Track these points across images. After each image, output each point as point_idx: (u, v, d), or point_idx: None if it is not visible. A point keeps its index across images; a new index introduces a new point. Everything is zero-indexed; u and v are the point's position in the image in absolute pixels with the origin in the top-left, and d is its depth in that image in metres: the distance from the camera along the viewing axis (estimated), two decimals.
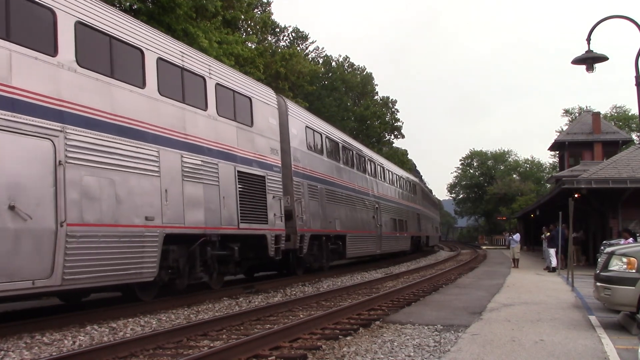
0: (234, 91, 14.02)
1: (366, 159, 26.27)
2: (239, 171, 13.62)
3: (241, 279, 17.33)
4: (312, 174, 18.45)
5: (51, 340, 8.02)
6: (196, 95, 12.49)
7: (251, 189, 14.12)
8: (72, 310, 10.25)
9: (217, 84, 13.24)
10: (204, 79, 12.79)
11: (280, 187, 15.69)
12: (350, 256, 22.26)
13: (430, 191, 64.50)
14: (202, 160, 12.23)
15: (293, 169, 16.94)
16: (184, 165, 11.62)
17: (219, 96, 13.26)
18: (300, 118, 18.51)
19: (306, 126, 18.66)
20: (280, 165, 15.86)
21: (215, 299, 12.91)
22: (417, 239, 37.32)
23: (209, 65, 13.21)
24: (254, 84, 15.76)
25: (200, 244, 12.07)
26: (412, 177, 41.76)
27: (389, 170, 31.47)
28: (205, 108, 12.69)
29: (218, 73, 13.49)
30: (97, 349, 6.88)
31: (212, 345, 7.56)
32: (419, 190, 41.90)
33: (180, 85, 11.97)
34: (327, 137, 20.77)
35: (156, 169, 10.76)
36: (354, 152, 24.20)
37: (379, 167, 28.77)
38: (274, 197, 15.17)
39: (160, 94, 11.22)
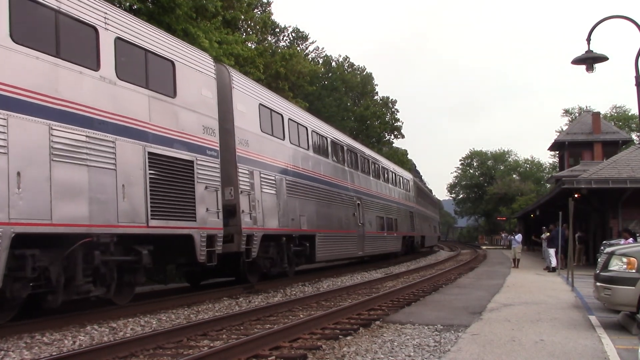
0: (146, 50, 11.06)
1: (345, 148, 23.01)
2: (151, 153, 10.72)
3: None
4: (268, 162, 15.50)
5: (51, 340, 8.02)
6: (80, 49, 9.67)
7: (170, 177, 11.27)
8: (72, 310, 10.24)
9: (118, 38, 10.33)
10: (96, 30, 9.88)
11: (218, 175, 12.85)
12: (321, 259, 19.33)
13: (430, 191, 64.20)
14: (87, 136, 9.36)
15: (238, 154, 14.01)
16: (54, 140, 8.77)
17: (121, 54, 10.31)
18: (252, 94, 15.45)
19: (260, 104, 15.58)
20: (217, 148, 12.98)
21: (215, 299, 12.92)
22: (410, 239, 34.86)
23: (105, 13, 10.15)
24: (180, 45, 12.56)
25: (82, 247, 9.28)
26: (405, 173, 38.39)
27: (375, 163, 28.31)
28: (96, 67, 9.79)
29: (120, 24, 10.47)
30: (97, 349, 6.89)
31: (212, 345, 7.56)
32: (414, 187, 38.82)
33: (52, 33, 9.13)
34: (290, 119, 17.46)
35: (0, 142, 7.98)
36: (329, 140, 21.07)
37: (362, 158, 25.73)
38: (207, 187, 12.33)
39: (13, 40, 8.35)
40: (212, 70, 13.39)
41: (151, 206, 10.59)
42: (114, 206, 9.74)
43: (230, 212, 13.59)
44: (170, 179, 11.29)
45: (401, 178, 34.87)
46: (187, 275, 15.58)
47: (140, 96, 10.82)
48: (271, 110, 16.27)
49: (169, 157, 11.30)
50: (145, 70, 11.05)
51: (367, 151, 28.17)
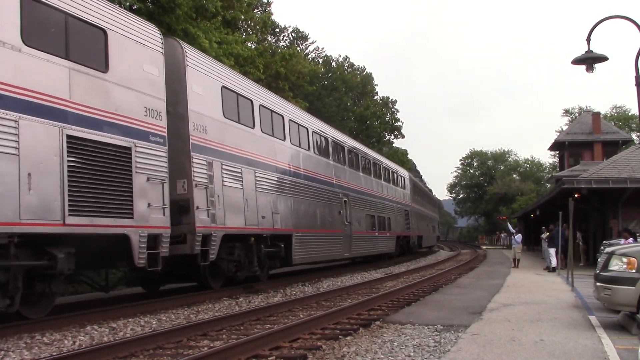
0: (67, 14, 9.30)
1: (330, 141, 21.01)
2: (71, 136, 9.01)
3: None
4: (233, 152, 13.69)
5: (51, 340, 8.03)
6: None
7: (98, 165, 9.54)
8: (72, 310, 10.24)
9: None
10: None
11: (164, 165, 11.14)
12: (299, 262, 17.31)
13: (431, 191, 63.89)
14: None
15: (193, 141, 12.23)
16: None
17: (27, 15, 8.58)
18: (213, 74, 13.63)
19: (224, 87, 13.77)
20: (164, 133, 11.24)
21: (215, 299, 12.91)
22: (405, 239, 33.04)
23: None
24: (117, 12, 10.67)
25: None
26: (400, 169, 36.17)
27: (365, 158, 26.08)
28: None
29: None
30: (97, 349, 6.89)
31: (212, 345, 7.56)
32: (410, 184, 36.62)
33: None
34: (263, 105, 15.54)
35: None
36: (310, 131, 19.03)
37: (350, 152, 23.53)
38: (149, 179, 10.60)
39: None
40: (158, 44, 11.45)
41: (70, 200, 8.84)
42: (14, 200, 8.01)
43: (182, 208, 11.84)
44: (97, 168, 9.48)
45: (395, 175, 32.81)
46: (142, 281, 13.73)
47: (57, 68, 9.00)
48: (238, 94, 14.40)
49: (96, 142, 9.49)
50: (65, 38, 9.24)
51: (357, 145, 26.15)
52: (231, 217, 13.27)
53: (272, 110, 16.33)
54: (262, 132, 15.42)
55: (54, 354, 7.05)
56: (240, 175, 13.92)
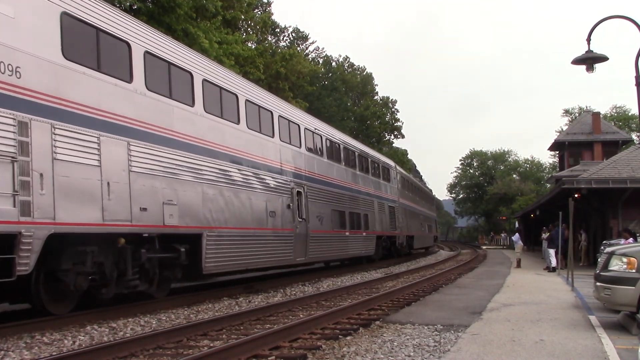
0: None
1: (276, 116, 16.55)
2: None
3: (240, 279, 17.32)
4: (80, 111, 9.52)
5: (51, 340, 8.03)
6: None
7: None
8: (72, 310, 10.24)
9: None
10: None
11: None
12: (214, 270, 12.93)
13: (431, 192, 62.95)
14: None
15: None
16: None
17: None
18: None
19: (66, 13, 9.50)
20: None
21: (215, 299, 12.92)
22: (389, 239, 28.98)
23: None
24: None
25: None
26: (384, 159, 31.66)
27: (331, 140, 21.48)
28: None
29: None
30: (97, 349, 6.89)
31: (212, 345, 7.56)
32: (397, 177, 32.18)
33: None
34: (149, 52, 11.32)
35: None
36: (241, 99, 14.60)
37: (310, 132, 19.26)
38: None
39: None
40: None
41: None
42: None
43: None
44: None
45: (377, 165, 28.24)
46: None
47: None
48: (99, 29, 10.16)
49: None
50: None
51: (321, 125, 21.53)
52: (71, 209, 9.11)
53: (171, 63, 12.05)
54: (148, 88, 11.10)
55: (54, 354, 7.05)
56: (96, 146, 9.70)
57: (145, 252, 10.81)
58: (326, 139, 20.92)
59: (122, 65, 10.67)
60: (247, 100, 14.94)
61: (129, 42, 10.94)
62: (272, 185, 15.77)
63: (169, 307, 11.41)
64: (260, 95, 16.15)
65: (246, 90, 15.28)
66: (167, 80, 11.96)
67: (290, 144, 17.45)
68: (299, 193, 17.36)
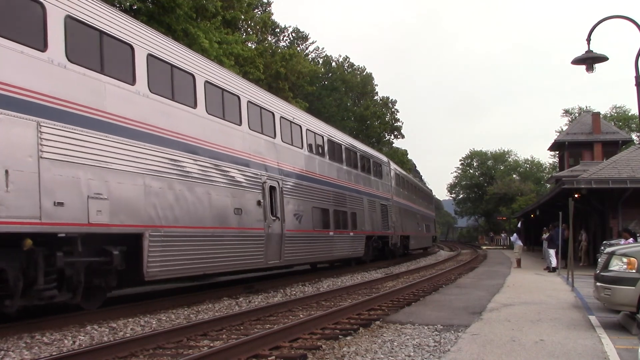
0: None
1: (243, 101, 14.61)
2: None
3: (240, 279, 17.33)
4: None
5: (51, 340, 8.03)
6: None
7: None
8: (72, 310, 10.24)
9: None
10: None
11: None
12: (160, 276, 11.09)
13: (431, 192, 62.46)
14: None
15: None
16: None
17: None
18: None
19: None
20: None
21: (215, 298, 12.91)
22: (382, 240, 27.17)
23: None
24: None
25: None
26: (377, 154, 29.87)
27: (314, 133, 19.67)
28: None
29: None
30: (97, 349, 6.89)
31: (212, 345, 7.56)
32: (389, 173, 30.24)
33: None
34: (72, 16, 9.58)
35: None
36: (199, 79, 12.78)
37: (286, 122, 17.25)
38: None
39: None
40: None
41: None
42: None
43: None
44: None
45: (369, 160, 26.44)
46: None
47: None
48: None
49: None
50: None
51: (300, 113, 19.65)
52: None
53: (104, 32, 10.21)
54: (70, 60, 9.42)
55: (54, 353, 7.05)
56: None
57: (63, 256, 9.02)
58: (307, 130, 18.95)
59: (32, 28, 8.86)
60: (206, 82, 13.06)
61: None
62: (238, 179, 13.93)
63: (169, 307, 11.41)
64: (223, 77, 14.13)
65: (206, 70, 13.34)
66: (98, 51, 10.10)
67: (262, 133, 15.53)
68: (272, 188, 15.57)
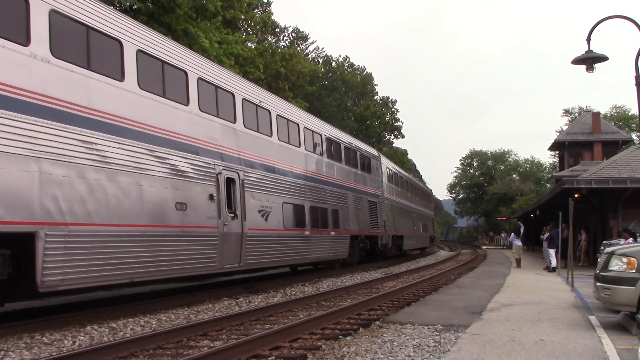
0: None
1: (190, 76, 12.44)
2: None
3: (241, 279, 17.32)
4: None
5: (51, 340, 8.03)
6: None
7: None
8: (72, 310, 10.24)
9: None
10: None
11: None
12: (62, 286, 8.85)
13: (431, 192, 61.73)
14: None
15: None
16: None
17: None
18: None
19: None
20: None
21: (215, 298, 12.91)
22: (370, 240, 24.82)
23: None
24: None
25: None
26: (366, 147, 27.33)
27: (286, 120, 17.28)
28: None
29: None
30: (97, 349, 6.89)
31: (212, 345, 7.56)
32: (380, 168, 27.74)
33: None
34: None
35: None
36: (123, 44, 10.56)
37: (245, 104, 14.72)
38: None
39: None
40: None
41: None
42: None
43: None
44: None
45: (355, 152, 23.99)
46: None
47: None
48: None
49: None
50: None
51: (269, 97, 16.96)
52: None
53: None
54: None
55: (54, 354, 7.06)
56: None
57: None
58: (278, 115, 16.57)
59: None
60: (139, 51, 10.93)
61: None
62: (181, 169, 11.74)
63: (169, 307, 11.41)
64: (164, 46, 11.95)
65: (138, 36, 11.09)
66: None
67: (217, 116, 13.35)
68: (230, 180, 13.43)
